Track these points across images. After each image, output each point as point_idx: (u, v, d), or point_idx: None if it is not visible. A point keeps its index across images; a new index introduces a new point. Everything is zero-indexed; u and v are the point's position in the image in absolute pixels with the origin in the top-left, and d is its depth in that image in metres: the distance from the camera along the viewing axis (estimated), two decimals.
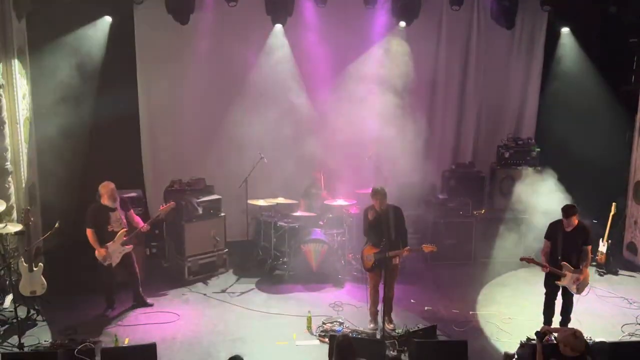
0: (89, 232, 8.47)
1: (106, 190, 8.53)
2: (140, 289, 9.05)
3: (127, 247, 8.67)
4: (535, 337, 6.79)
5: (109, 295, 8.85)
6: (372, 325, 8.52)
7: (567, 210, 7.91)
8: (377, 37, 11.30)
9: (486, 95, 12.11)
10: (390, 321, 8.51)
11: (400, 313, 8.85)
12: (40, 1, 9.61)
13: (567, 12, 11.06)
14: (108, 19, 10.47)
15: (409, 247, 8.37)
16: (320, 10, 10.86)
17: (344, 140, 11.00)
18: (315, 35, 11.12)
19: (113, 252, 8.57)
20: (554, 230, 8.11)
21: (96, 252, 8.47)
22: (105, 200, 8.54)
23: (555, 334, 6.84)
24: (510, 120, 12.24)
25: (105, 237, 8.54)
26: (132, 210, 8.93)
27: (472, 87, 11.99)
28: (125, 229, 8.64)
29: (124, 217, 8.71)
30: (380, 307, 8.48)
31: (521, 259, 8.31)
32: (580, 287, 8.07)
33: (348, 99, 11.29)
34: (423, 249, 8.44)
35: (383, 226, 8.21)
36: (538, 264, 8.12)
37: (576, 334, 6.20)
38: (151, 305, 9.03)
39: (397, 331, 8.13)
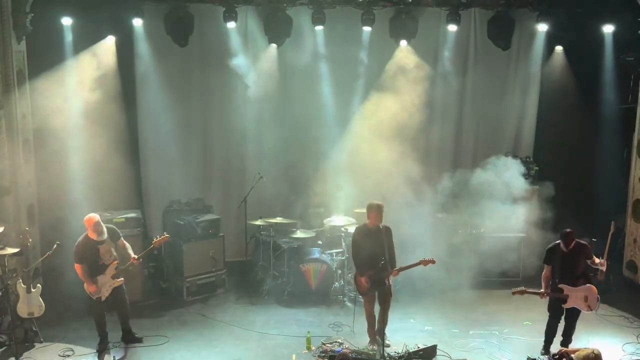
0: (78, 267, 8.06)
1: (90, 225, 8.05)
2: (130, 324, 8.65)
3: (117, 280, 8.29)
4: (552, 358, 6.70)
5: (101, 329, 8.40)
6: (371, 347, 8.46)
7: (565, 237, 7.89)
8: (376, 57, 11.37)
9: (484, 114, 12.15)
10: (384, 339, 8.45)
11: (401, 333, 8.81)
12: (40, 23, 9.67)
13: (564, 31, 11.14)
14: (110, 40, 10.53)
15: (397, 268, 8.29)
16: (318, 31, 10.93)
17: (342, 159, 11.02)
18: (313, 55, 11.20)
19: (103, 285, 8.18)
20: (552, 255, 8.10)
21: (85, 286, 8.12)
22: (90, 233, 8.08)
23: (573, 355, 6.76)
24: (508, 139, 12.26)
25: (96, 270, 8.16)
26: (122, 239, 8.48)
27: (470, 106, 12.04)
28: (116, 261, 8.24)
29: (113, 249, 8.30)
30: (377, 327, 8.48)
31: (513, 293, 8.16)
32: (591, 303, 8.00)
33: (346, 119, 11.35)
34: (421, 263, 8.35)
35: (378, 246, 8.16)
36: (533, 293, 8.07)
37: (595, 352, 6.13)
38: (140, 339, 8.61)
39: (397, 351, 8.08)
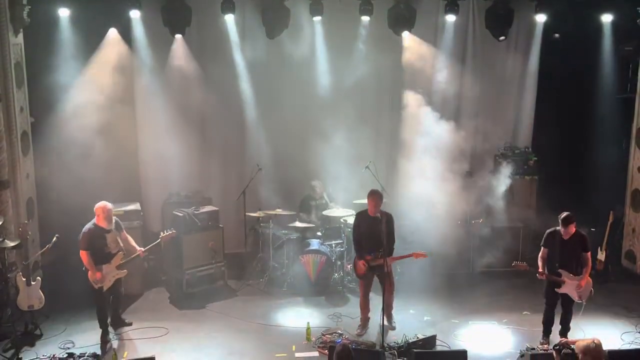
0: (84, 254, 8.05)
1: (102, 212, 8.13)
2: (120, 311, 8.86)
3: (121, 272, 8.38)
4: (552, 349, 6.71)
5: (102, 320, 8.40)
6: (358, 331, 8.62)
7: (565, 220, 7.92)
8: (373, 48, 11.34)
9: (482, 104, 12.13)
10: (391, 322, 8.71)
11: (400, 323, 8.85)
12: (37, 15, 9.64)
13: (563, 20, 11.11)
14: (109, 32, 10.49)
15: (390, 257, 8.39)
16: (316, 22, 10.90)
17: (341, 151, 11.02)
18: (311, 46, 11.16)
19: (107, 274, 8.21)
20: (551, 238, 8.12)
21: (89, 274, 8.11)
22: (100, 221, 8.17)
23: (573, 345, 6.77)
24: (507, 129, 12.25)
25: (102, 259, 8.19)
26: (124, 232, 8.56)
27: (468, 97, 12.01)
28: (122, 252, 8.33)
29: (119, 239, 8.39)
30: (371, 314, 8.66)
31: (513, 265, 8.30)
32: (583, 294, 8.06)
33: (345, 111, 11.32)
34: (413, 255, 8.48)
35: (375, 233, 8.22)
36: (533, 270, 8.12)
37: (595, 342, 6.13)
38: (130, 324, 8.78)
39: (396, 342, 8.11)
